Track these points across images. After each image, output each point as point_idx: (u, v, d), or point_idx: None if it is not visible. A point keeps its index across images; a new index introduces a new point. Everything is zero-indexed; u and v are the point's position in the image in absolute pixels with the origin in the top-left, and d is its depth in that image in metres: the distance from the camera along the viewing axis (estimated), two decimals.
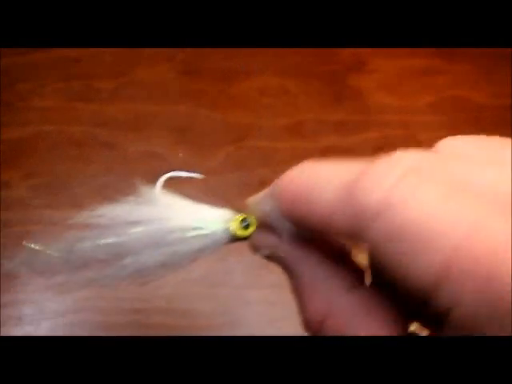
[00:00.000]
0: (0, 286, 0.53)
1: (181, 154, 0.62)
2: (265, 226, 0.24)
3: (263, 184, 0.70)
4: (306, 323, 0.23)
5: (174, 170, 0.64)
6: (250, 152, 0.64)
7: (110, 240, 0.25)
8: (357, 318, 0.21)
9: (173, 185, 0.29)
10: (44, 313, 0.54)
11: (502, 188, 0.18)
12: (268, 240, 0.24)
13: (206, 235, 0.25)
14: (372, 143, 0.65)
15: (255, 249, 0.25)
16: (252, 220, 0.25)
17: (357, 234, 0.19)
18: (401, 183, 0.18)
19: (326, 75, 0.70)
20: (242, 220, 0.25)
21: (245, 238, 0.26)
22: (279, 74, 0.69)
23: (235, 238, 0.26)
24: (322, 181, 0.20)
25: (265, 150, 0.64)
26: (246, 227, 0.25)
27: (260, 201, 0.24)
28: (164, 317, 0.53)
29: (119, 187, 0.61)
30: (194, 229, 0.25)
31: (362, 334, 0.21)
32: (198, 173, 0.61)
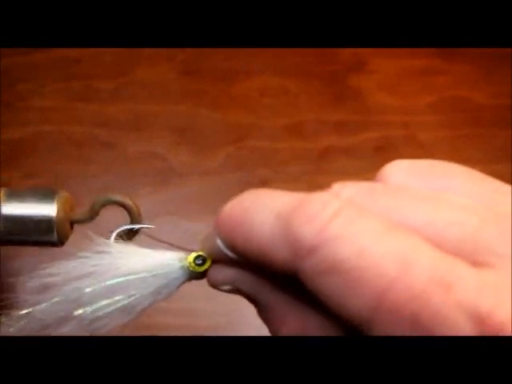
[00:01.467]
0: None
1: None
2: (218, 260, 0.24)
3: (263, 184, 0.70)
4: None
5: (174, 171, 0.64)
6: (250, 152, 0.64)
7: (66, 296, 0.25)
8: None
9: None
10: None
11: (437, 226, 0.18)
12: (224, 274, 0.24)
13: (161, 277, 0.25)
14: (372, 143, 0.65)
15: (214, 285, 0.25)
16: (205, 257, 0.25)
17: (291, 267, 0.19)
18: (336, 218, 0.18)
19: (326, 75, 0.70)
20: (197, 257, 0.25)
21: (203, 275, 0.25)
22: (279, 73, 0.69)
23: (192, 276, 0.25)
24: (260, 210, 0.20)
25: (265, 150, 0.64)
26: (202, 264, 0.25)
27: (208, 235, 0.23)
28: (164, 316, 0.53)
29: (119, 187, 0.61)
30: (149, 271, 0.25)
31: None
32: (198, 173, 0.61)
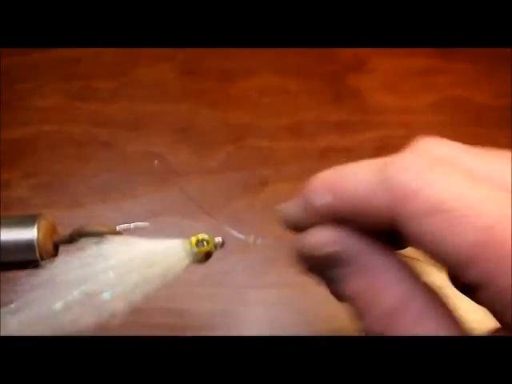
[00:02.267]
0: (0, 286, 0.53)
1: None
2: (294, 229, 0.24)
3: (263, 184, 0.70)
4: (374, 321, 0.21)
5: (173, 170, 0.64)
6: (250, 152, 0.64)
7: (77, 282, 0.26)
8: (429, 310, 0.20)
9: None
10: None
11: None
12: (329, 235, 0.23)
13: (166, 259, 0.26)
14: (372, 143, 0.65)
15: (312, 249, 0.23)
16: (207, 240, 0.26)
17: (393, 214, 0.20)
18: (431, 168, 0.20)
19: (326, 75, 0.70)
20: (199, 240, 0.26)
21: (206, 258, 0.26)
22: (279, 73, 0.69)
23: (196, 258, 0.26)
24: (355, 169, 0.22)
25: (265, 150, 0.64)
26: (203, 246, 0.26)
27: (288, 205, 0.24)
28: (164, 317, 0.53)
29: (119, 187, 0.61)
30: (154, 254, 0.26)
31: (432, 330, 0.20)
32: (198, 172, 0.61)
